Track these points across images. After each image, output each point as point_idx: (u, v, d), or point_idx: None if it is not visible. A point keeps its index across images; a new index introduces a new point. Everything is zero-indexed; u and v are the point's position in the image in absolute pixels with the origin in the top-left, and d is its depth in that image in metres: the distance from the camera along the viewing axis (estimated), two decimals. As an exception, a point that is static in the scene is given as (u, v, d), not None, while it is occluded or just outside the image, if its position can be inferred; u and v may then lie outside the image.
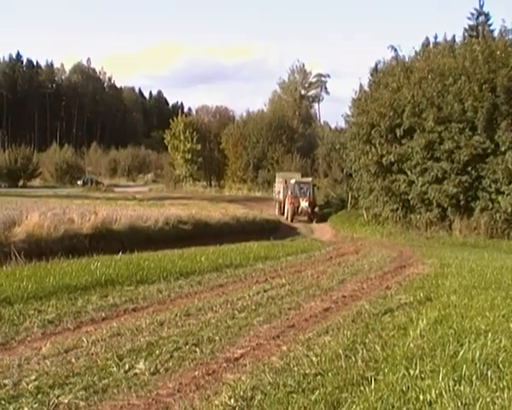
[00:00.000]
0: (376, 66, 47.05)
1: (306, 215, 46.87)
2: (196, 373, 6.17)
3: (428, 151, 35.46)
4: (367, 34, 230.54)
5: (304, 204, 46.66)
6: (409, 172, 36.68)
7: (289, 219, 46.10)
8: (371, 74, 46.99)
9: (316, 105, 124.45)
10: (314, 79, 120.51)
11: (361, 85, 46.30)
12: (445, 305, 9.76)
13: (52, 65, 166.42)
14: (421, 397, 5.26)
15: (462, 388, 5.52)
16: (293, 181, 49.55)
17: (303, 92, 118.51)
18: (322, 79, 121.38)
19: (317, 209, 49.27)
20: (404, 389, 5.48)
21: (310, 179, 53.41)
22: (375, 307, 9.87)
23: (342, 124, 60.77)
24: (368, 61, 74.45)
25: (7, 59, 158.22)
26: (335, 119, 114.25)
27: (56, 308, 8.99)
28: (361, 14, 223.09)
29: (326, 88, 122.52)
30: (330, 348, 7.06)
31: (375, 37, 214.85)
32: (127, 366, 6.29)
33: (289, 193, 48.41)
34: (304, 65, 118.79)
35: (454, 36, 46.37)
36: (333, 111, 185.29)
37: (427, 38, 48.24)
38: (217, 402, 5.26)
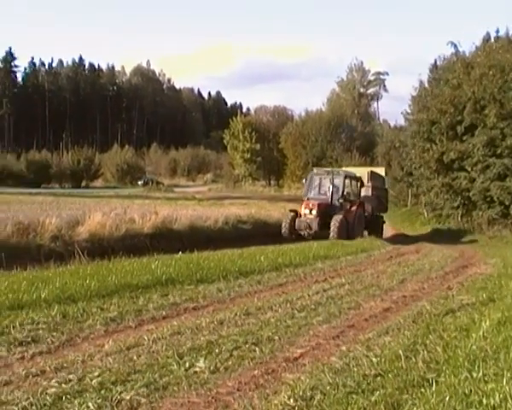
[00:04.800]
0: (436, 62, 46.45)
1: (314, 228, 27.61)
2: (256, 372, 6.19)
3: (490, 148, 34.68)
4: (426, 31, 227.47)
5: (306, 211, 28.41)
6: (470, 170, 35.99)
7: (286, 231, 28.20)
8: (431, 71, 46.41)
9: (375, 103, 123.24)
10: (373, 77, 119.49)
11: (421, 82, 45.79)
12: (509, 306, 9.51)
13: (113, 68, 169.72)
14: (484, 401, 5.14)
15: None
16: (315, 170, 32.84)
17: (362, 90, 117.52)
18: (381, 76, 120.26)
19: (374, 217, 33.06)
20: (466, 392, 5.36)
21: (354, 173, 32.50)
22: (437, 307, 9.73)
23: (401, 122, 60.20)
24: (427, 58, 73.57)
25: (70, 63, 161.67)
26: (394, 117, 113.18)
27: (118, 306, 9.11)
28: (420, 11, 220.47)
29: (385, 86, 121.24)
30: (390, 348, 6.99)
31: (433, 33, 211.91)
32: (187, 365, 6.34)
33: (310, 192, 30.46)
34: (362, 63, 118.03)
35: (516, 30, 45.23)
36: (392, 109, 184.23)
37: (487, 33, 47.05)
38: (276, 402, 5.26)
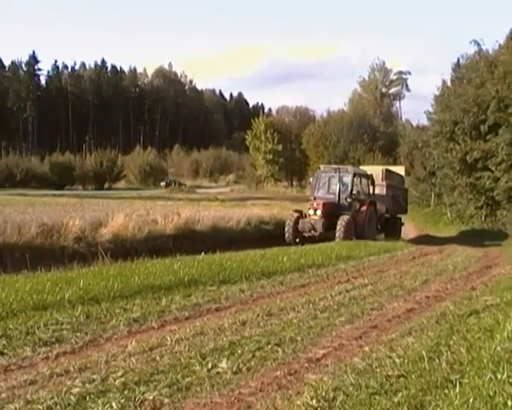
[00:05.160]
0: (459, 61, 46.06)
1: (318, 229, 25.64)
2: (278, 373, 6.18)
3: (514, 147, 34.38)
4: (448, 29, 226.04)
5: (311, 211, 26.50)
6: (494, 169, 35.67)
7: (290, 236, 26.21)
8: (453, 70, 46.04)
9: (397, 103, 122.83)
10: (395, 77, 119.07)
11: (443, 82, 45.47)
12: (534, 306, 9.46)
13: (135, 70, 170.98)
14: (509, 403, 5.06)
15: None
16: (322, 168, 30.94)
17: (384, 90, 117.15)
18: (403, 76, 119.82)
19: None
20: (490, 393, 5.29)
21: (364, 171, 30.66)
22: (460, 308, 9.66)
23: (424, 121, 59.69)
24: (450, 57, 73.08)
25: (92, 66, 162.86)
26: (417, 116, 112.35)
27: (141, 307, 9.15)
28: (442, 9, 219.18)
29: (407, 85, 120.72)
30: (413, 349, 6.95)
31: (456, 32, 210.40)
32: (210, 365, 6.35)
33: (317, 191, 28.30)
34: (384, 63, 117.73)
35: (541, 27, 44.65)
36: (414, 109, 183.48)
37: (511, 31, 46.73)
38: (299, 402, 5.25)
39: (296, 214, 26.83)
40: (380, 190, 30.25)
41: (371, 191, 28.91)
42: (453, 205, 41.25)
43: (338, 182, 27.48)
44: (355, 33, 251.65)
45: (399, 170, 36.07)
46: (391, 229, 30.99)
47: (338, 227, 24.97)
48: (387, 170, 32.79)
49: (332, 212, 26.18)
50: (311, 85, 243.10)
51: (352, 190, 27.32)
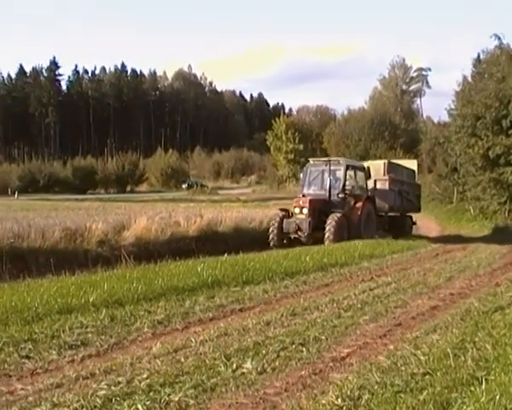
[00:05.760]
0: (479, 56, 45.74)
1: (305, 230, 22.71)
2: (303, 373, 6.18)
3: (538, 142, 34.06)
4: (468, 25, 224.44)
5: (297, 210, 23.50)
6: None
7: (274, 239, 23.16)
8: (474, 65, 45.74)
9: (417, 100, 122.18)
10: (415, 74, 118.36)
11: (464, 77, 45.17)
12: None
13: (155, 73, 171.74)
14: (535, 400, 5.07)
15: None
16: (311, 161, 27.13)
17: (404, 87, 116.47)
18: (423, 72, 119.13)
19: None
20: (517, 390, 5.30)
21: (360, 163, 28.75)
22: (485, 304, 9.61)
23: (445, 118, 59.35)
24: (470, 52, 72.56)
25: (112, 70, 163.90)
26: (438, 113, 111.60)
27: (165, 309, 9.18)
28: (461, 5, 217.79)
29: (427, 82, 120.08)
30: (438, 346, 6.92)
31: (476, 27, 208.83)
32: (235, 366, 6.36)
33: (306, 187, 25.43)
34: (404, 60, 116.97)
35: None
36: (435, 105, 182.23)
37: (532, 24, 46.22)
38: (324, 402, 5.24)
39: (282, 213, 23.82)
40: (382, 184, 27.46)
41: (368, 185, 26.08)
42: (476, 201, 40.92)
43: (329, 176, 24.37)
44: (373, 32, 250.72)
45: (410, 164, 33.35)
46: (398, 229, 28.08)
47: (327, 227, 22.19)
48: (391, 162, 30.15)
49: (321, 210, 23.44)
50: (331, 84, 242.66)
51: (344, 185, 24.31)
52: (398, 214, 29.14)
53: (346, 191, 24.34)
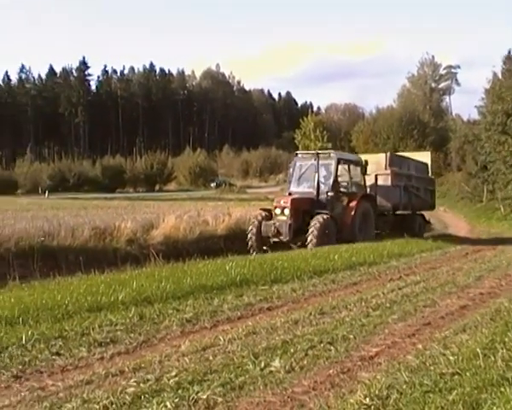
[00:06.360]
0: (509, 53, 45.35)
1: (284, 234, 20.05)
2: (331, 372, 6.16)
3: None
4: (497, 22, 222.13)
5: (278, 211, 20.72)
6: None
7: (253, 244, 20.62)
8: (504, 62, 45.34)
9: (447, 98, 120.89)
10: (444, 72, 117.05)
11: (494, 74, 44.79)
12: None
13: (183, 72, 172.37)
14: None
15: None
16: (299, 155, 23.84)
17: (433, 85, 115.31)
18: (453, 70, 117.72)
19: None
20: (548, 391, 5.23)
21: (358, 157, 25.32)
22: (516, 304, 9.50)
23: (475, 116, 58.93)
24: (500, 50, 71.89)
25: (141, 70, 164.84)
26: (468, 111, 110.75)
27: (194, 308, 9.21)
28: (490, 2, 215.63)
29: (457, 80, 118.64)
30: (468, 346, 6.84)
31: (506, 24, 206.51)
32: (263, 364, 6.35)
33: (293, 184, 22.63)
34: (433, 57, 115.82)
35: None
36: (465, 103, 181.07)
37: None
38: (352, 401, 5.21)
39: (264, 213, 21.24)
40: (383, 180, 24.36)
41: (369, 182, 23.45)
42: (506, 200, 40.50)
43: (316, 171, 21.40)
44: (401, 31, 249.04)
45: (422, 156, 29.66)
46: (406, 229, 24.38)
47: (310, 229, 19.61)
48: (393, 154, 27.60)
49: (306, 210, 20.79)
50: (359, 83, 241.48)
51: (335, 182, 21.51)
52: (406, 213, 26.28)
53: (341, 188, 22.06)
